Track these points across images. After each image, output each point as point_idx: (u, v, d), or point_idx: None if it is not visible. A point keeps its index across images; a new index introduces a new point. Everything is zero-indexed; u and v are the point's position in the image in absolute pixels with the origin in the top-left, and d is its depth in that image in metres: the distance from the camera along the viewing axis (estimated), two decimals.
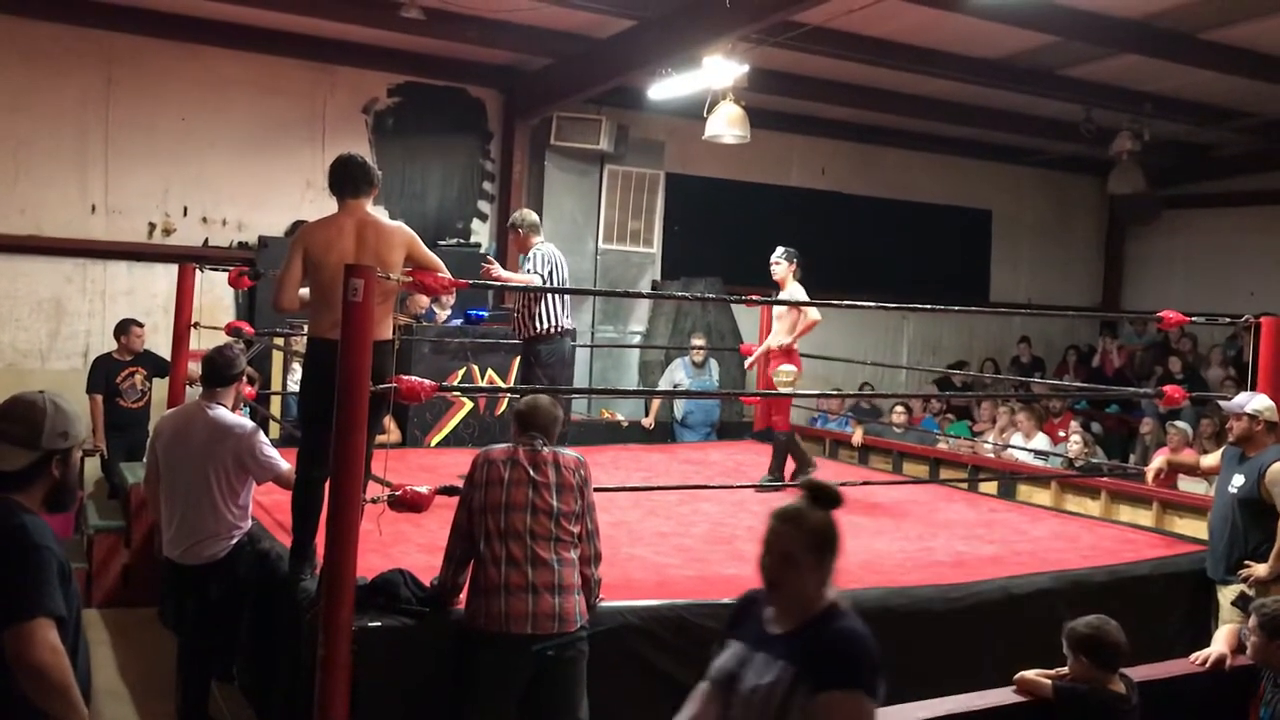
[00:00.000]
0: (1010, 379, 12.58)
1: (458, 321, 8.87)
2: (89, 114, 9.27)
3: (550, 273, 6.66)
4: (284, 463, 4.75)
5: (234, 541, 4.66)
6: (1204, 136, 12.63)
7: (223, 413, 4.74)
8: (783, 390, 7.17)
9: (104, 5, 8.95)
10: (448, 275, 4.50)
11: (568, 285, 6.89)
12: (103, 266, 9.45)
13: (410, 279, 4.34)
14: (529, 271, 6.63)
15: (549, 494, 3.84)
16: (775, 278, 7.26)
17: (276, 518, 5.34)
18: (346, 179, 4.43)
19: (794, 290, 7.17)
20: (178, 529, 4.67)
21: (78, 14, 9.00)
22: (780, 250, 7.26)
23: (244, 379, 4.96)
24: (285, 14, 8.94)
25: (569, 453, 4.01)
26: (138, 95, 9.40)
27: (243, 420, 4.79)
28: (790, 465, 7.27)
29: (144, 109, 9.43)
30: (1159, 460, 6.52)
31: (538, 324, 6.69)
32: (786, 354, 7.19)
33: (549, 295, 6.63)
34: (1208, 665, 4.03)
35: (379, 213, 4.50)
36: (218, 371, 4.84)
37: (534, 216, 7.06)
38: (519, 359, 6.99)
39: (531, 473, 3.86)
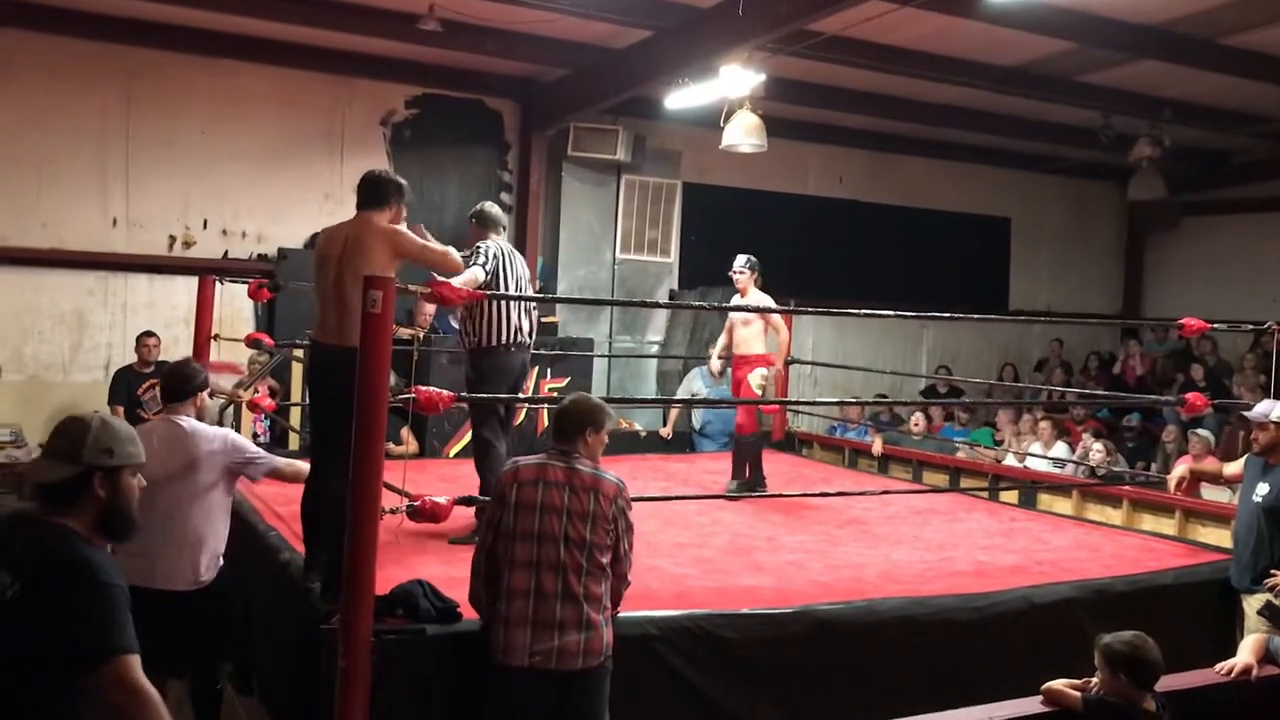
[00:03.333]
0: (1029, 387, 12.50)
1: None
2: (110, 128, 9.35)
3: (496, 270, 5.56)
4: (273, 456, 4.77)
5: (222, 560, 4.56)
6: (1224, 142, 12.55)
7: (200, 425, 4.61)
8: (758, 394, 7.23)
9: (124, 20, 9.01)
10: (455, 257, 4.55)
11: (524, 289, 5.86)
12: (124, 279, 9.51)
13: (428, 289, 4.37)
14: (471, 264, 5.36)
15: (583, 525, 3.71)
16: (738, 287, 7.32)
17: (295, 529, 5.35)
18: (361, 192, 4.57)
19: (760, 299, 7.26)
20: (157, 551, 4.34)
21: (98, 29, 9.07)
22: (743, 259, 7.32)
23: (204, 394, 4.79)
24: (304, 27, 8.98)
25: (610, 477, 3.83)
26: (158, 109, 9.48)
27: (222, 429, 4.74)
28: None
29: (164, 123, 9.50)
30: (1181, 468, 6.46)
31: (485, 334, 5.61)
32: (761, 358, 7.31)
33: (498, 300, 5.56)
34: (1233, 675, 3.99)
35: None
36: (176, 386, 4.71)
37: (494, 211, 5.95)
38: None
39: (566, 499, 3.71)
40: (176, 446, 4.49)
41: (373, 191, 4.54)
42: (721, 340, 7.75)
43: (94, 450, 2.64)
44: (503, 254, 5.65)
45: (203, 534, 4.48)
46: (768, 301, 7.23)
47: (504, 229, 5.98)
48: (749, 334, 7.36)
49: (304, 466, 4.66)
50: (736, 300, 7.41)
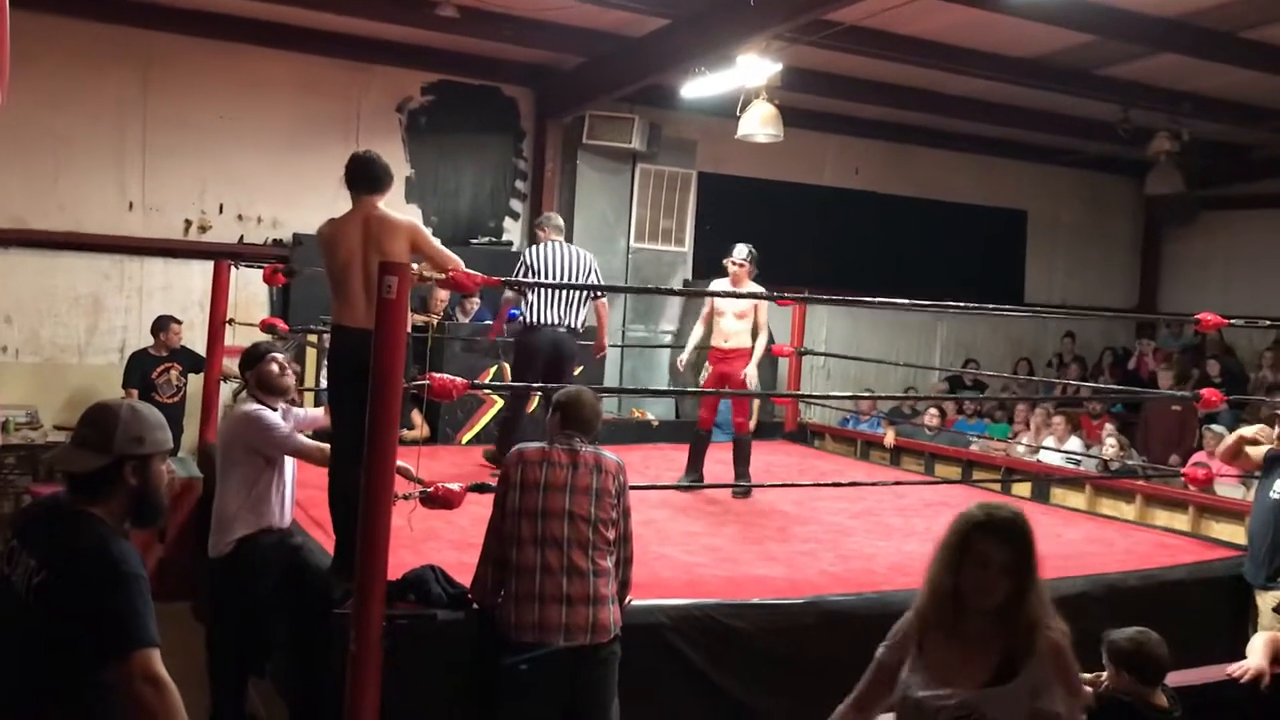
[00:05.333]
0: (1044, 381, 12.47)
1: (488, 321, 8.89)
2: (127, 112, 9.37)
3: (524, 273, 7.01)
4: (297, 436, 4.84)
5: (239, 536, 4.66)
6: (1243, 137, 12.46)
7: (247, 405, 4.84)
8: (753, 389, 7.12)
9: (143, 4, 9.04)
10: (461, 267, 4.54)
11: (558, 279, 7.02)
12: (140, 263, 9.54)
13: (443, 276, 4.38)
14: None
15: (587, 500, 3.77)
16: (732, 276, 7.05)
17: (310, 513, 5.38)
18: (357, 176, 4.57)
19: (755, 291, 7.00)
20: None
21: (117, 13, 9.09)
22: (745, 249, 7.06)
23: (261, 366, 4.92)
24: (322, 13, 8.99)
25: (610, 456, 3.93)
26: (175, 93, 9.49)
27: (250, 406, 4.84)
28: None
29: (181, 107, 9.51)
30: (1231, 437, 6.20)
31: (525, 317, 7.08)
32: (750, 355, 7.07)
33: (527, 292, 7.00)
34: (1245, 679, 3.92)
35: (414, 213, 4.59)
36: (240, 367, 5.06)
37: (549, 219, 7.43)
38: None
39: (570, 476, 3.78)
40: (225, 425, 4.91)
41: (376, 174, 4.57)
42: (699, 330, 7.36)
43: (124, 439, 2.63)
44: (534, 256, 7.05)
45: (228, 510, 4.70)
46: (762, 293, 6.98)
47: (557, 229, 7.30)
48: (742, 327, 7.06)
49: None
50: (724, 287, 7.14)
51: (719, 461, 7.99)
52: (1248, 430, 5.96)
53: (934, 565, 2.74)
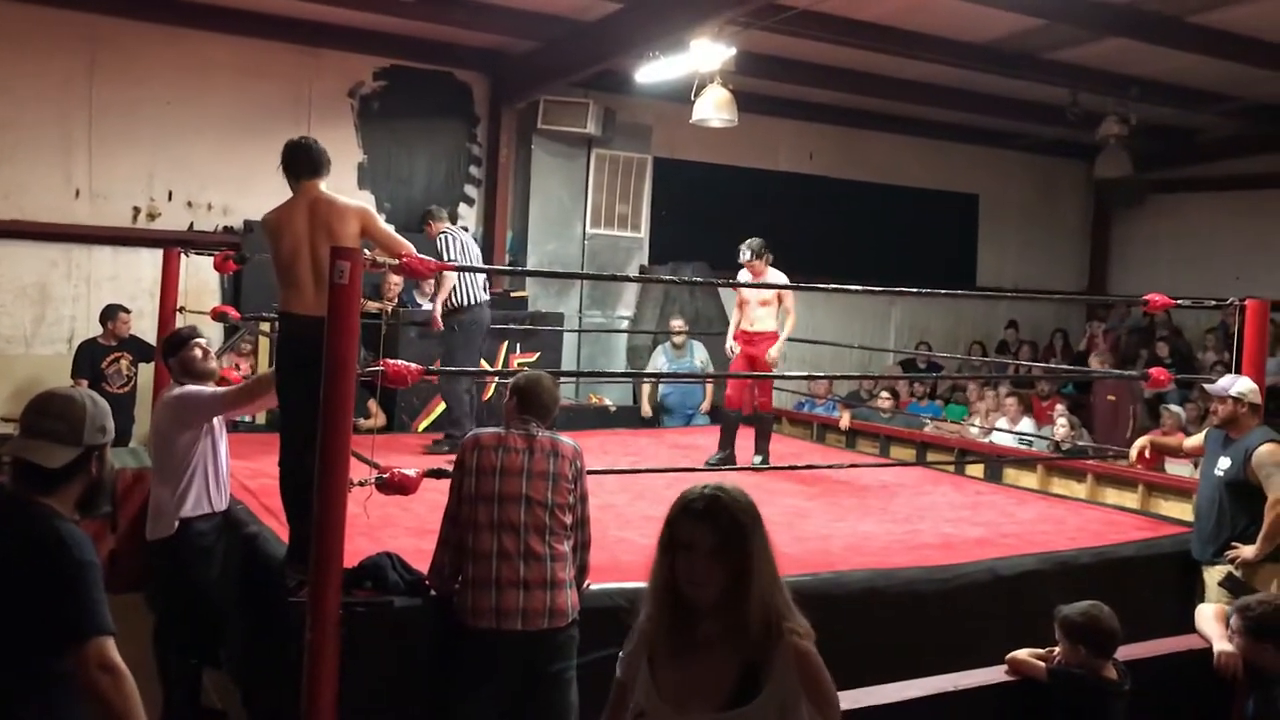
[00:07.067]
0: (995, 360, 12.61)
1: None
2: (72, 97, 9.20)
3: (459, 254, 7.54)
4: (222, 389, 4.86)
5: (179, 519, 4.61)
6: (1190, 120, 12.65)
7: (176, 389, 4.80)
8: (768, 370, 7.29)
9: None
10: (413, 252, 4.50)
11: (478, 262, 7.98)
12: (87, 251, 9.38)
13: (395, 262, 4.34)
14: (445, 258, 7.34)
15: (544, 485, 3.76)
16: (754, 273, 7.40)
17: (264, 501, 5.33)
18: (298, 161, 4.52)
19: (778, 277, 7.39)
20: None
21: None
22: (752, 246, 7.39)
23: (184, 352, 4.88)
24: None
25: (567, 441, 3.91)
26: (122, 79, 9.33)
27: (175, 390, 4.80)
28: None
29: (128, 92, 9.35)
30: (1142, 439, 6.51)
31: (454, 299, 7.42)
32: (774, 335, 7.48)
33: (450, 275, 7.30)
34: (1231, 666, 3.95)
35: (366, 200, 4.54)
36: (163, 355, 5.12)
37: (438, 211, 8.05)
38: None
39: (525, 461, 3.76)
40: (155, 413, 4.93)
41: (317, 157, 4.52)
42: (735, 316, 7.76)
43: (92, 430, 2.64)
44: (461, 237, 7.66)
45: (165, 495, 4.66)
46: (784, 280, 7.42)
47: (444, 218, 7.97)
48: (765, 313, 7.49)
49: (264, 377, 4.79)
50: (745, 279, 7.51)
51: (675, 446, 8.02)
52: (1161, 439, 6.61)
53: (654, 560, 2.45)
